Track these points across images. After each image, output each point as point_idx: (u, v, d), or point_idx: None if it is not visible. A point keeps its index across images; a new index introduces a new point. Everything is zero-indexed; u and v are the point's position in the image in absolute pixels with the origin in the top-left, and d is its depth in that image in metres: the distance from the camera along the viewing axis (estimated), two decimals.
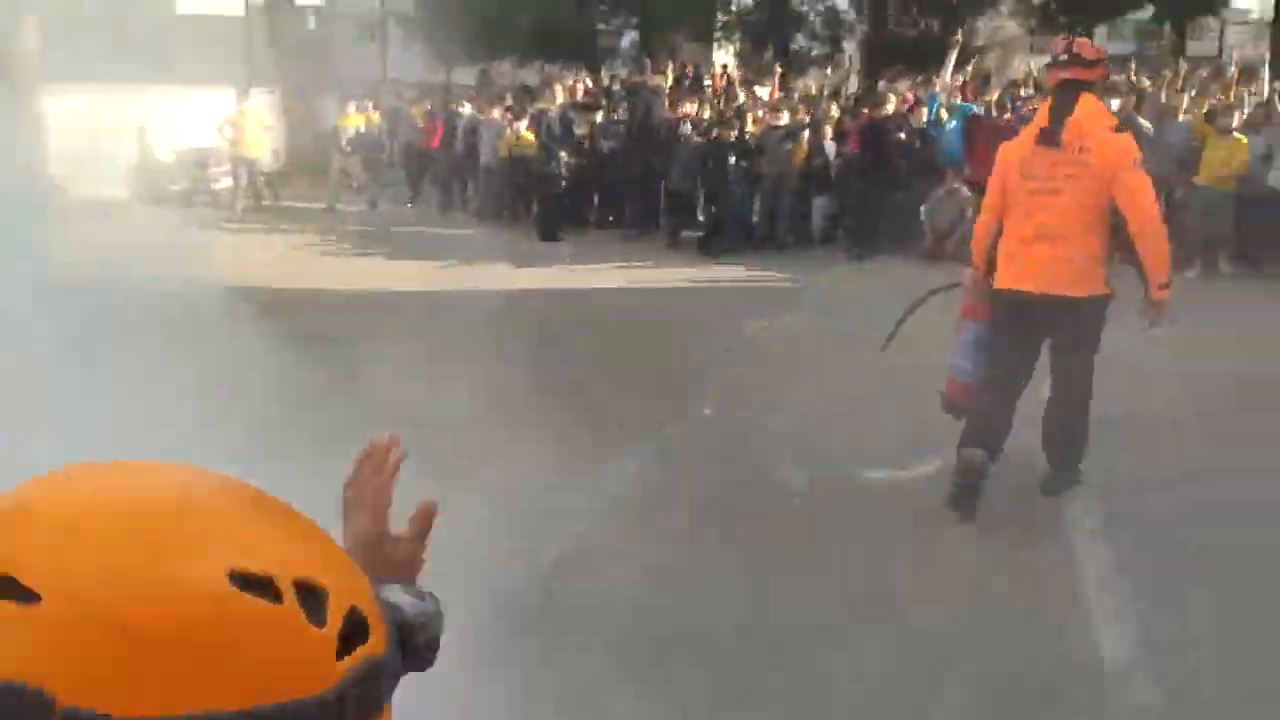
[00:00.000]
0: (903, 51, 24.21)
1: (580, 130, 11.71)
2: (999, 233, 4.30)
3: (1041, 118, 4.23)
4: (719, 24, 24.40)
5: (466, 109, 13.15)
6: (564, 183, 11.40)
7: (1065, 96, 4.14)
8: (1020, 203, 4.17)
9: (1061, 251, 4.06)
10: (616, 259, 10.38)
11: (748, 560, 3.97)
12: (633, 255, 10.63)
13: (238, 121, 13.03)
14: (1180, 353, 6.04)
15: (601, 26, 26.37)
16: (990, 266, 4.33)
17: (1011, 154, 4.27)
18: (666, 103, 11.42)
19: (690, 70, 14.23)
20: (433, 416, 5.18)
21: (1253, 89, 10.08)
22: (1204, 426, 5.18)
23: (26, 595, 0.44)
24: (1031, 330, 4.26)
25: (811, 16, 25.01)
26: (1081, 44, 4.32)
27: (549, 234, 11.40)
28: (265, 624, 0.46)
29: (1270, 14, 23.46)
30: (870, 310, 8.12)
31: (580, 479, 4.71)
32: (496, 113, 12.31)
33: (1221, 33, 25.24)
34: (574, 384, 6.10)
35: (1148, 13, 24.54)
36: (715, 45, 28.54)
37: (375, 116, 13.55)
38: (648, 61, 12.47)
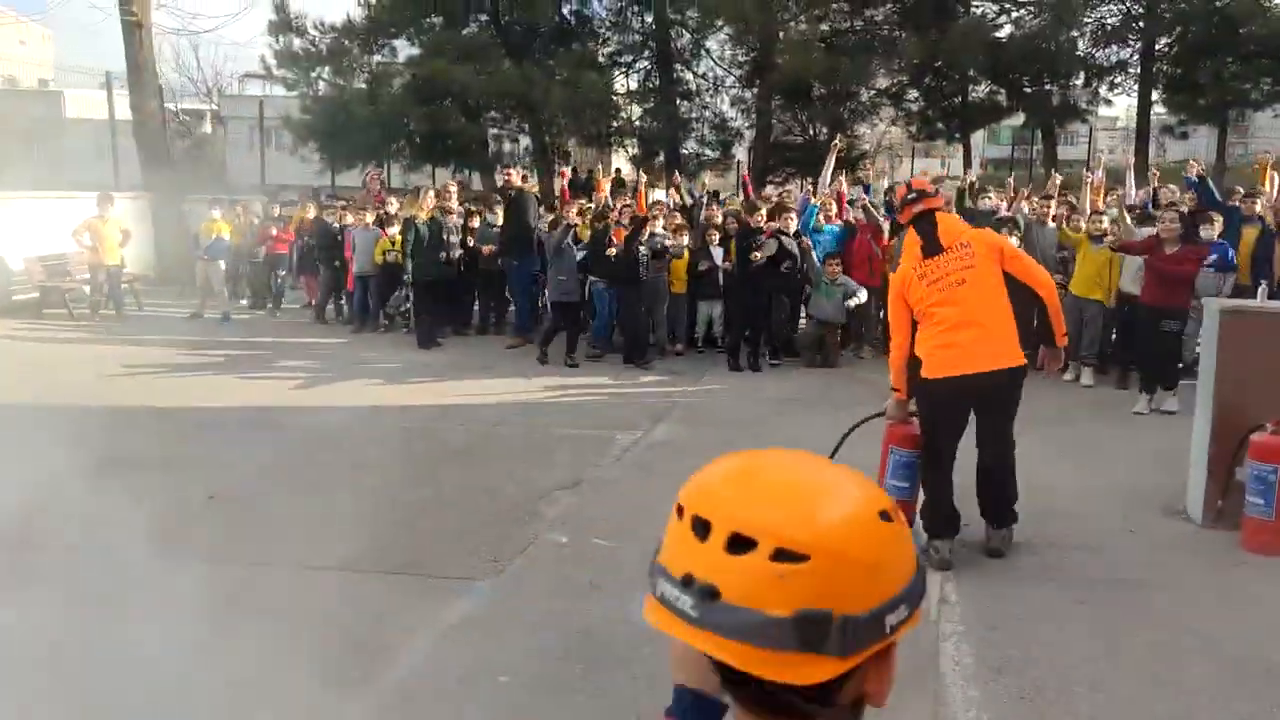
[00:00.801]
0: (791, 156, 24.86)
1: (455, 236, 11.33)
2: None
3: (912, 242, 4.80)
4: (610, 130, 24.58)
5: (346, 215, 12.66)
6: (438, 288, 10.92)
7: (924, 220, 4.79)
8: (933, 304, 4.64)
9: (985, 331, 4.59)
10: (489, 367, 9.88)
11: None
12: (508, 362, 10.16)
13: (96, 227, 12.29)
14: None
15: (494, 131, 26.42)
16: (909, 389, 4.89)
17: (903, 276, 4.79)
18: (555, 204, 11.21)
19: (566, 174, 14.01)
20: (234, 550, 4.61)
21: (1119, 194, 10.28)
22: None
23: (799, 558, 0.82)
24: (965, 411, 4.77)
25: (700, 124, 25.44)
26: (919, 183, 5.13)
27: (426, 341, 10.86)
28: (901, 539, 0.87)
29: (1135, 121, 24.83)
30: (748, 421, 7.82)
31: (410, 618, 4.15)
32: (370, 218, 11.84)
33: (1091, 138, 26.50)
34: (415, 509, 5.54)
35: (1020, 119, 25.64)
36: (612, 150, 28.90)
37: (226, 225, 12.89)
38: (507, 168, 12.06)
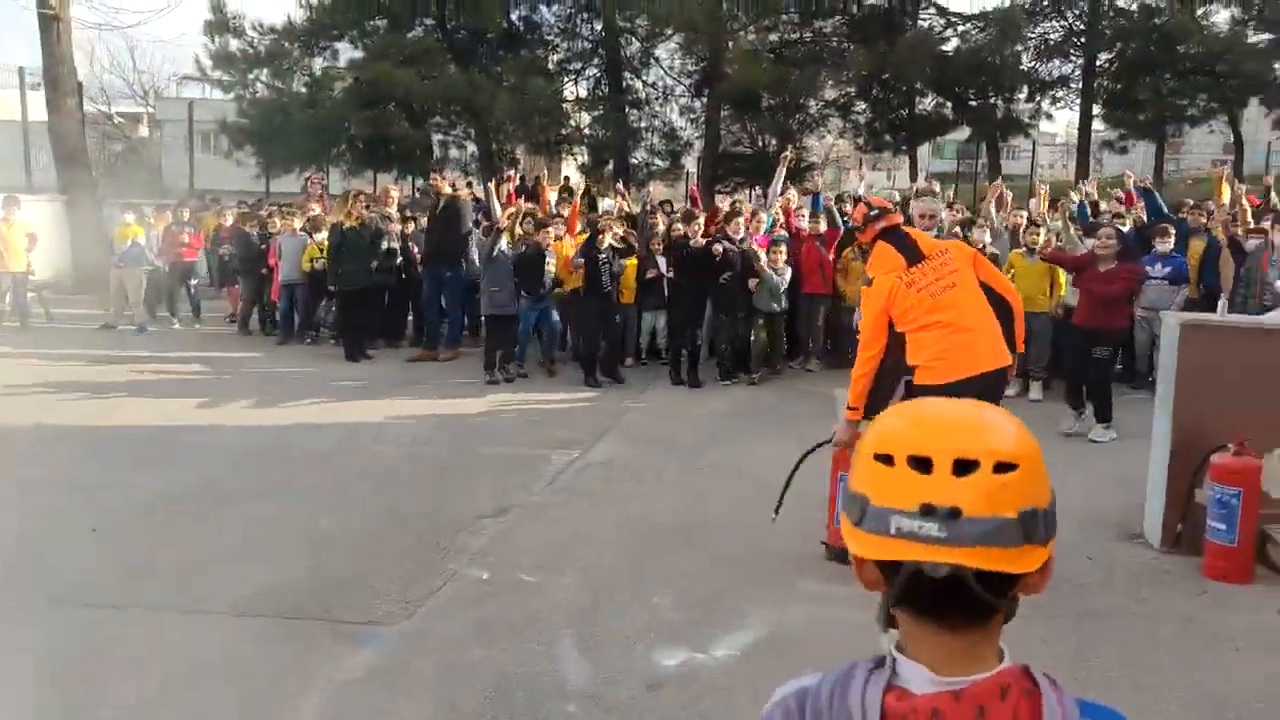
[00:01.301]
0: (740, 167, 24.68)
1: (390, 243, 10.87)
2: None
3: (889, 256, 4.71)
4: (559, 137, 24.19)
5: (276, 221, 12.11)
6: (369, 297, 10.43)
7: (895, 233, 4.78)
8: (927, 310, 4.58)
9: (982, 331, 4.61)
10: (419, 382, 9.42)
11: None
12: (440, 377, 9.70)
13: (0, 232, 11.59)
14: None
15: (439, 137, 25.90)
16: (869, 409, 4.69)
17: (889, 287, 4.64)
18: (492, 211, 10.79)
19: (513, 179, 13.55)
20: (108, 590, 4.12)
21: (1063, 205, 10.17)
22: None
23: (1012, 467, 0.99)
24: None
25: (649, 133, 25.16)
26: (878, 200, 5.09)
27: (355, 352, 10.36)
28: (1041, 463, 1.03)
29: (1075, 138, 25.10)
30: (690, 441, 7.44)
31: (303, 671, 3.71)
32: (298, 223, 11.31)
33: (1034, 152, 26.73)
34: (320, 542, 5.08)
35: (966, 133, 25.76)
36: (562, 158, 28.50)
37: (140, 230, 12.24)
38: (434, 172, 11.43)
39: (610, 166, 25.28)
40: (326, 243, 10.54)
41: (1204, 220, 8.81)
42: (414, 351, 10.61)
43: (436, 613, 4.32)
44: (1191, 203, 9.56)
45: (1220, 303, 5.15)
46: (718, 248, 9.19)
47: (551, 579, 4.66)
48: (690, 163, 26.28)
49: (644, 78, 25.11)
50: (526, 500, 5.90)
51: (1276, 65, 20.67)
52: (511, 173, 14.51)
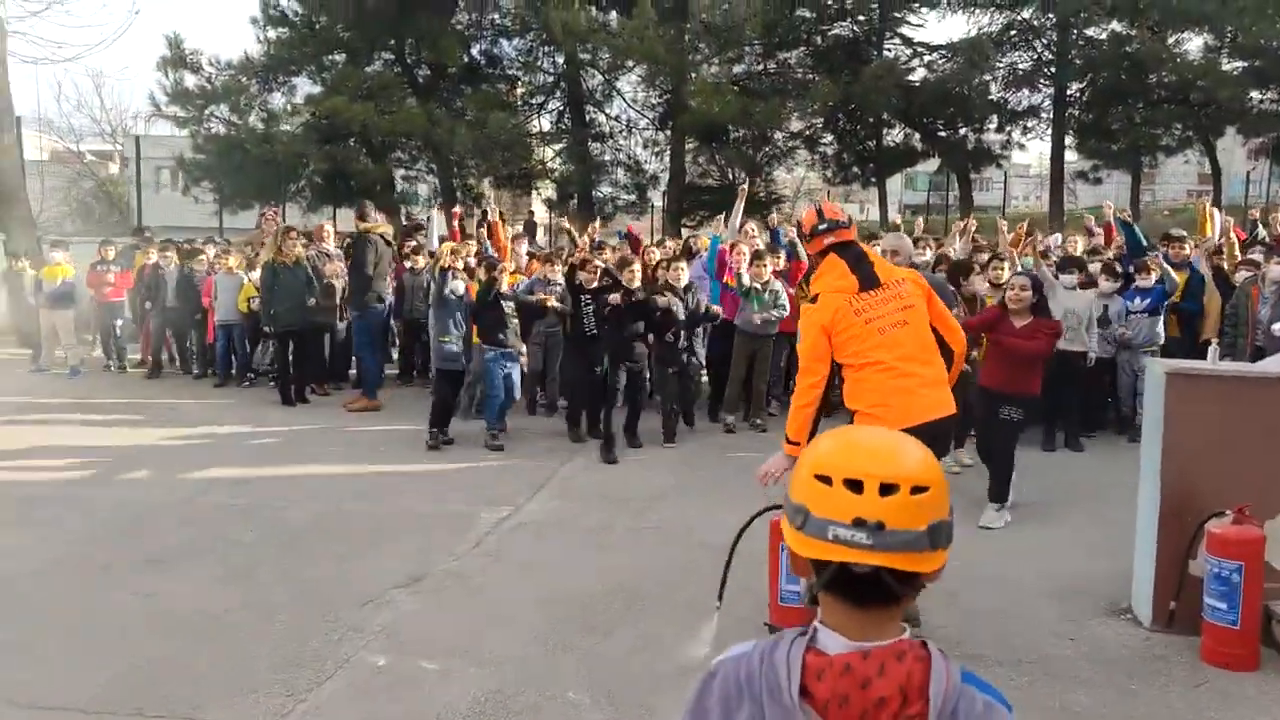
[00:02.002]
0: (707, 199, 24.28)
1: (338, 281, 10.30)
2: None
3: (839, 273, 4.24)
4: (521, 172, 23.77)
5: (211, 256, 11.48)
6: (305, 339, 9.82)
7: (853, 251, 4.29)
8: (872, 345, 4.15)
9: (931, 375, 4.20)
10: (356, 429, 8.79)
11: None
12: (381, 422, 9.08)
13: None
14: None
15: (401, 172, 25.44)
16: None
17: (834, 307, 4.18)
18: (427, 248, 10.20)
19: (458, 214, 12.97)
20: None
21: (1035, 240, 9.76)
22: None
23: (925, 489, 1.22)
24: None
25: (614, 167, 24.81)
26: (831, 210, 4.41)
27: (290, 396, 9.73)
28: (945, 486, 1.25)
29: (1048, 169, 24.89)
30: (641, 494, 6.83)
31: None
32: (234, 261, 10.69)
33: (1005, 184, 26.53)
34: (201, 622, 4.44)
35: (935, 164, 25.53)
36: (531, 193, 28.06)
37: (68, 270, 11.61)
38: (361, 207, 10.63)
39: (575, 201, 24.89)
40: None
41: (1186, 253, 8.37)
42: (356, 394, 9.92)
43: (317, 713, 3.69)
44: (1174, 235, 9.06)
45: (1211, 348, 4.61)
46: (661, 300, 8.13)
47: (455, 667, 4.04)
48: (656, 196, 25.94)
49: (607, 111, 24.78)
50: (445, 568, 5.27)
51: (1252, 93, 20.50)
52: (457, 209, 13.88)
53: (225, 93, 22.11)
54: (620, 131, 25.08)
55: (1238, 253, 8.17)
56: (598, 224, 13.26)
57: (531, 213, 23.96)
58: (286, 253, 9.48)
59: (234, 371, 10.85)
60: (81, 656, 4.09)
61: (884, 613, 1.27)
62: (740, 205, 10.26)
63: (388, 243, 9.61)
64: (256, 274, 10.11)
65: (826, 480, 1.26)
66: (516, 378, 8.34)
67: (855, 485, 1.24)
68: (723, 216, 10.39)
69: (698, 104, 21.25)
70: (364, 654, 4.18)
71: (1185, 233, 9.53)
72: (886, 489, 1.23)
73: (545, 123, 26.46)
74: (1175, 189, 40.16)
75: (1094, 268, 8.40)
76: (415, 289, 9.98)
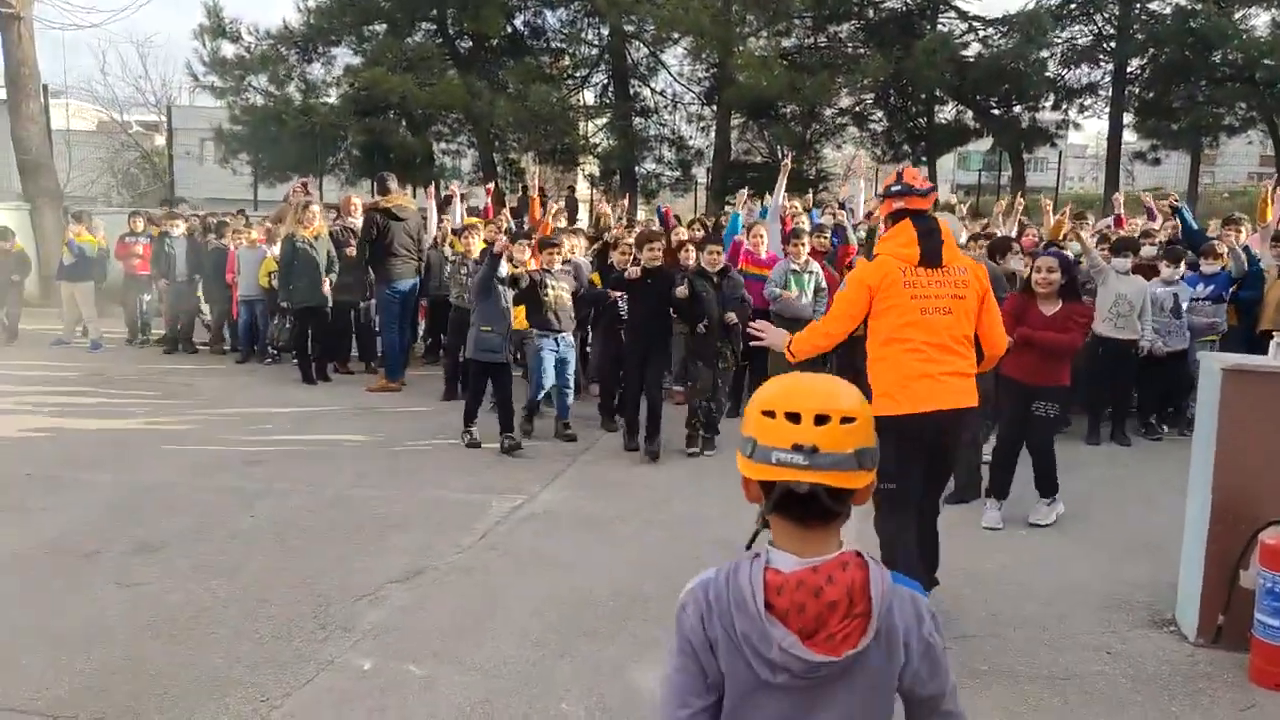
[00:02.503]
0: (751, 177, 23.81)
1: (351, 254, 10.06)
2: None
3: (906, 240, 4.08)
4: (563, 146, 23.41)
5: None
6: (324, 316, 9.63)
7: (926, 222, 4.12)
8: (907, 323, 4.04)
9: (961, 367, 4.09)
10: (372, 409, 8.61)
11: None
12: (397, 402, 8.90)
13: None
14: None
15: (441, 145, 25.25)
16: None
17: (886, 270, 4.07)
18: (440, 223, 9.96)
19: (490, 190, 12.69)
20: None
21: (1094, 224, 9.28)
22: None
23: (853, 420, 1.50)
24: (926, 448, 4.10)
25: (658, 142, 24.38)
26: (912, 174, 4.26)
27: (310, 375, 9.58)
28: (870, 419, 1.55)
29: (1104, 149, 23.99)
30: (658, 484, 6.55)
31: None
32: (257, 233, 10.55)
33: (1060, 164, 25.67)
34: (187, 615, 4.25)
35: (988, 143, 24.76)
36: (574, 169, 27.74)
37: (96, 238, 11.52)
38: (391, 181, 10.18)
39: (618, 177, 24.54)
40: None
41: (1243, 238, 7.86)
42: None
43: (289, 718, 3.48)
44: (1235, 218, 8.50)
45: (1273, 342, 4.20)
46: (681, 290, 7.15)
47: (443, 673, 3.81)
48: (700, 174, 25.52)
49: (652, 85, 24.34)
50: (448, 560, 5.05)
51: None
52: (489, 185, 13.56)
53: (264, 63, 22.02)
54: (665, 106, 24.64)
55: None
56: (626, 202, 12.91)
57: (572, 188, 23.61)
58: (307, 226, 9.27)
59: (256, 348, 10.71)
60: (50, 653, 3.91)
61: (824, 530, 1.53)
62: (782, 182, 9.89)
63: (397, 218, 9.22)
64: (277, 248, 9.92)
65: (771, 415, 1.52)
66: (572, 363, 7.82)
67: (794, 417, 1.50)
68: (755, 195, 10.00)
69: (745, 78, 20.74)
70: (350, 655, 3.96)
71: (1245, 216, 9.00)
72: (820, 419, 1.49)
73: (589, 96, 26.11)
74: (1236, 171, 38.71)
75: (1147, 250, 7.91)
76: (440, 265, 9.71)
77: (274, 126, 21.16)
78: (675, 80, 24.51)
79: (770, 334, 4.39)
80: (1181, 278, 7.72)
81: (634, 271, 7.30)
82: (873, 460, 1.52)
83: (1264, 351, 7.31)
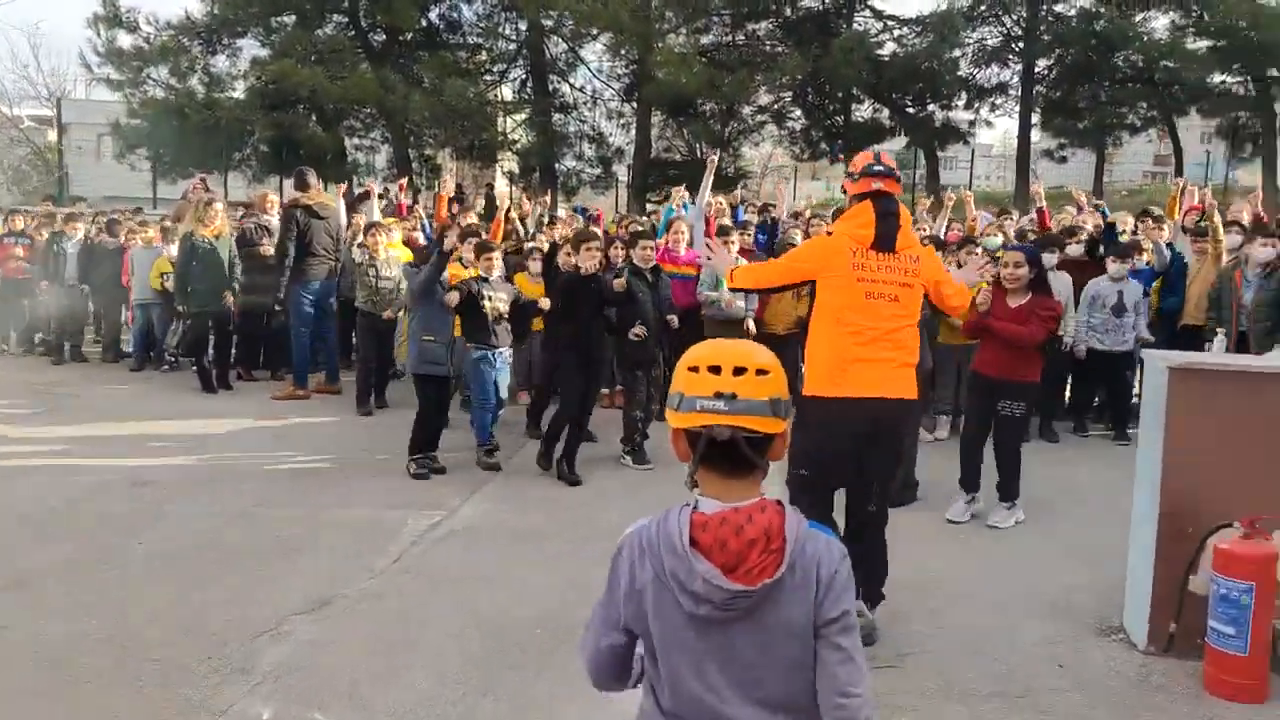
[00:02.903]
0: (673, 175, 23.62)
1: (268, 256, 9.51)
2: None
3: (866, 222, 3.98)
4: (480, 142, 22.90)
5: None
6: (226, 322, 9.06)
7: (889, 205, 4.03)
8: (856, 307, 3.95)
9: (902, 357, 4.01)
10: (278, 418, 8.10)
11: None
12: (314, 411, 8.41)
13: None
14: None
15: (354, 141, 24.51)
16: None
17: (838, 248, 4.01)
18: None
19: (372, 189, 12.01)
20: None
21: (1017, 220, 9.28)
22: None
23: (767, 372, 1.65)
24: (857, 443, 4.00)
25: (578, 139, 24.04)
26: (888, 158, 4.19)
27: (211, 383, 9.00)
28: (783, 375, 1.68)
29: (1012, 147, 24.50)
30: (589, 494, 6.23)
31: None
32: (152, 232, 9.91)
33: (972, 161, 26.10)
34: (60, 654, 3.78)
35: (903, 141, 25.04)
36: (492, 166, 27.19)
37: None
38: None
39: (538, 174, 24.13)
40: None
41: (1165, 235, 7.88)
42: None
43: None
44: (1154, 213, 8.55)
45: (1216, 339, 4.09)
46: (620, 282, 6.74)
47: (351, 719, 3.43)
48: (621, 171, 25.25)
49: (571, 80, 24.02)
50: (359, 586, 4.65)
51: (1216, 74, 20.19)
52: (402, 181, 12.91)
53: (164, 54, 21.08)
54: (585, 102, 24.35)
55: (1222, 236, 7.65)
56: (548, 198, 12.54)
57: (490, 185, 23.10)
58: (208, 225, 8.69)
59: (153, 355, 10.06)
60: None
61: (746, 480, 1.68)
62: (708, 180, 9.58)
63: (318, 215, 8.72)
64: (175, 248, 9.30)
65: (695, 369, 1.67)
66: (505, 381, 7.05)
67: (715, 369, 1.65)
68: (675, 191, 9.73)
69: (664, 74, 20.58)
70: (247, 702, 3.55)
71: (1162, 212, 9.07)
72: (738, 370, 1.65)
73: (507, 92, 25.65)
74: (1132, 170, 40.01)
75: (1074, 249, 7.87)
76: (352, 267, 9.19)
77: (175, 121, 20.25)
78: (595, 76, 24.26)
79: (719, 255, 4.60)
80: (1131, 274, 7.56)
81: (620, 283, 6.73)
82: (786, 410, 1.67)
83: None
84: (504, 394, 7.05)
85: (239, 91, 22.09)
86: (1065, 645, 4.16)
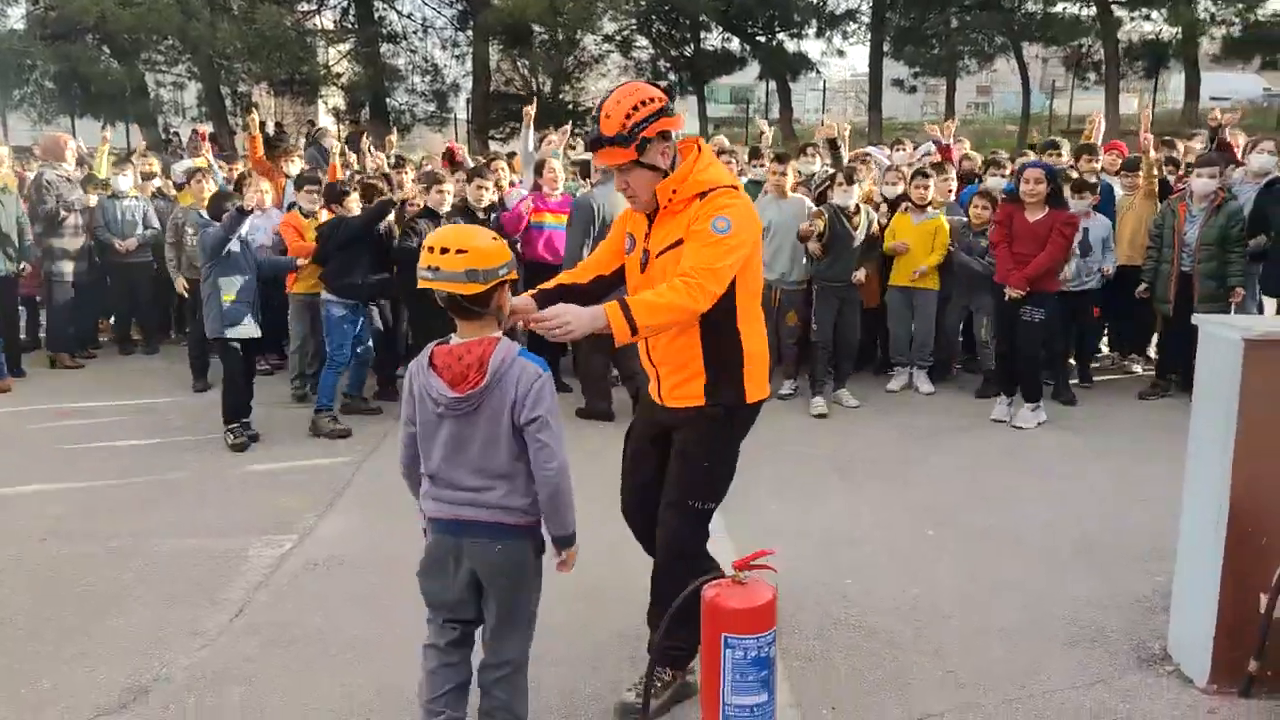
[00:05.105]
0: (516, 110, 22.24)
1: (78, 217, 7.92)
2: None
3: (729, 173, 3.08)
4: (300, 76, 20.86)
5: None
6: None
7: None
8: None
9: None
10: (82, 411, 6.62)
11: None
12: (122, 393, 6.94)
13: None
14: None
15: (158, 77, 21.97)
16: None
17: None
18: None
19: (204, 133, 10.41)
20: None
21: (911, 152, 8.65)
22: None
23: (464, 252, 2.44)
24: None
25: (410, 71, 22.29)
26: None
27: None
28: (500, 249, 2.48)
29: (864, 83, 24.25)
30: None
31: None
32: None
33: (824, 92, 25.75)
34: None
35: (755, 71, 24.41)
36: (317, 101, 24.98)
37: None
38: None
39: (366, 110, 22.27)
40: None
41: (1096, 169, 7.28)
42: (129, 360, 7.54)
43: None
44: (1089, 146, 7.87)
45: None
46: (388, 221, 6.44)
47: None
48: (460, 107, 23.64)
49: (398, 8, 22.12)
50: (188, 660, 3.44)
51: (1059, 4, 20.33)
52: (203, 127, 11.21)
53: None
54: (415, 32, 22.58)
55: (1155, 172, 7.12)
56: (394, 137, 11.14)
57: (312, 123, 21.10)
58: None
59: None
60: None
61: (477, 323, 2.48)
62: (528, 129, 8.21)
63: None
64: None
65: (430, 250, 2.40)
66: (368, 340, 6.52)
67: (431, 250, 2.40)
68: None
69: (500, 1, 19.12)
70: None
71: (1063, 140, 8.52)
72: (443, 250, 2.39)
73: (327, 20, 23.53)
74: (957, 102, 40.83)
75: (995, 181, 7.18)
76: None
77: None
78: (424, 2, 22.46)
79: (575, 318, 3.29)
80: (1092, 210, 6.87)
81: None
82: (484, 278, 2.40)
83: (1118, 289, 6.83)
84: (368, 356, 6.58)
85: (15, 20, 19.58)
86: (1108, 687, 3.29)
